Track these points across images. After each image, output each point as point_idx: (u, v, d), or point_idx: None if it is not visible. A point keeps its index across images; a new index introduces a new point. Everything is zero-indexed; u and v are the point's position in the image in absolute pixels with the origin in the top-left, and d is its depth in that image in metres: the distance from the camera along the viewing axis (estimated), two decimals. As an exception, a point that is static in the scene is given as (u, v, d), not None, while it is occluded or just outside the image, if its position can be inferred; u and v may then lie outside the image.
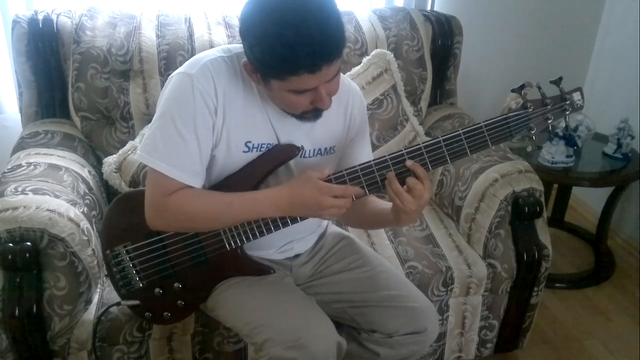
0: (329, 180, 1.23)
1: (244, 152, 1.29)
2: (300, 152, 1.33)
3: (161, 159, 1.20)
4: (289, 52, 1.06)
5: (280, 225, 1.29)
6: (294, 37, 1.05)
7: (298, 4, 1.07)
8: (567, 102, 1.26)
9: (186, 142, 1.20)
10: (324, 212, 1.21)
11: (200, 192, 1.24)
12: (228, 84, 1.23)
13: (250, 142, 1.28)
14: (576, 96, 1.27)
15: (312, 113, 1.23)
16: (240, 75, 1.25)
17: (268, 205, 1.22)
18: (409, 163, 1.22)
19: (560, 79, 1.25)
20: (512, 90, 1.27)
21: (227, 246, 1.32)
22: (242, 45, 1.19)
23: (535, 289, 1.77)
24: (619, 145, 2.30)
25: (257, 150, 1.30)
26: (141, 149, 1.23)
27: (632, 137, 2.30)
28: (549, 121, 1.26)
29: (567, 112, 1.26)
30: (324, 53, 1.09)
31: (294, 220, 1.29)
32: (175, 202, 1.22)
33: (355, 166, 1.25)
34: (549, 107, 1.25)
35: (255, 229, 1.29)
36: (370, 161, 1.24)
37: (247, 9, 1.12)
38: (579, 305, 2.31)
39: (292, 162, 1.34)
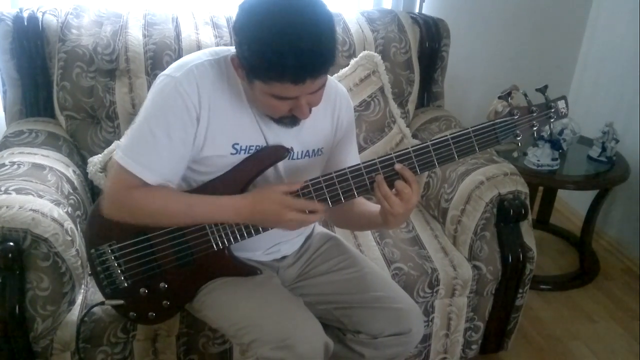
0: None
1: (231, 154, 1.29)
2: (289, 154, 1.33)
3: (130, 156, 1.21)
4: (277, 59, 1.07)
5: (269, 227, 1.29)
6: (284, 46, 1.06)
7: (295, 15, 1.07)
8: (552, 110, 1.30)
9: (157, 141, 1.20)
10: (282, 225, 1.24)
11: (161, 191, 1.24)
12: (213, 88, 1.23)
13: (237, 144, 1.28)
14: (561, 104, 1.31)
15: (290, 119, 1.23)
16: (226, 79, 1.25)
17: (229, 212, 1.24)
18: (398, 167, 1.23)
19: (546, 87, 1.28)
20: (499, 97, 1.29)
21: (215, 246, 1.32)
22: (229, 47, 1.19)
23: (520, 290, 1.78)
24: (604, 149, 2.32)
25: (245, 152, 1.30)
26: (119, 148, 1.25)
27: (617, 141, 2.32)
28: (535, 128, 1.29)
29: (552, 120, 1.30)
30: (310, 67, 1.10)
31: None
32: (135, 197, 1.22)
33: (344, 169, 1.25)
34: (534, 114, 1.29)
35: (244, 229, 1.29)
36: (359, 164, 1.25)
37: (245, 6, 1.12)
38: (564, 307, 2.33)
39: (280, 164, 1.34)
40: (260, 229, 1.29)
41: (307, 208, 1.23)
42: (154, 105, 1.21)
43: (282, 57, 1.06)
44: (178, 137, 1.22)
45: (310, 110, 1.21)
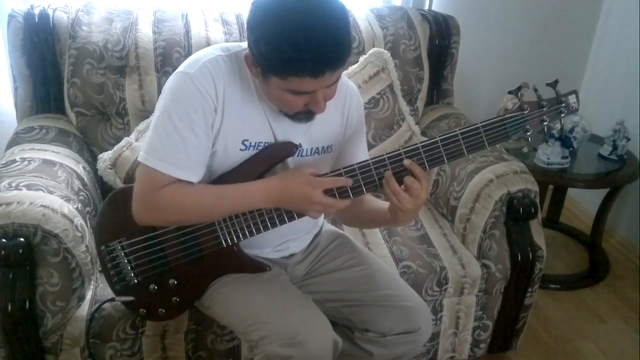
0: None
1: (240, 150, 1.29)
2: (298, 151, 1.33)
3: (157, 156, 1.20)
4: (296, 53, 1.07)
5: (277, 222, 1.29)
6: (303, 39, 1.06)
7: (312, 8, 1.07)
8: (563, 105, 1.28)
9: (183, 138, 1.20)
10: (312, 207, 1.22)
11: (191, 185, 1.24)
12: (226, 83, 1.23)
13: (247, 140, 1.28)
14: (571, 99, 1.29)
15: (305, 115, 1.24)
16: (239, 74, 1.25)
17: (258, 196, 1.23)
18: (406, 162, 1.23)
19: (556, 81, 1.27)
20: (509, 92, 1.28)
21: (224, 243, 1.32)
22: (239, 43, 1.19)
23: (529, 289, 1.77)
24: (615, 147, 2.30)
25: (254, 149, 1.30)
26: (142, 150, 1.23)
27: (628, 139, 2.30)
28: (545, 123, 1.28)
29: (563, 115, 1.29)
30: (329, 60, 1.10)
31: (290, 217, 1.29)
32: (166, 195, 1.22)
33: (353, 165, 1.26)
34: (544, 109, 1.27)
35: (252, 225, 1.29)
36: (368, 160, 1.25)
37: (259, 3, 1.12)
38: (573, 307, 2.31)
39: (289, 160, 1.34)
40: (269, 225, 1.29)
41: (335, 185, 1.22)
42: (174, 103, 1.20)
43: (301, 51, 1.06)
44: (202, 131, 1.22)
45: (325, 105, 1.21)
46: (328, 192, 1.23)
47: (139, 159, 1.23)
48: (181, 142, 1.20)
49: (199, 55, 1.25)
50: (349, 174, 1.25)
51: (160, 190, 1.21)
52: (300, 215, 1.29)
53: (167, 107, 1.21)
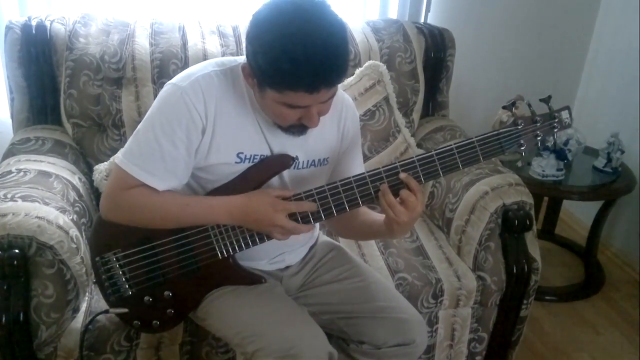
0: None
1: (236, 162, 1.29)
2: (294, 163, 1.33)
3: (132, 161, 1.23)
4: (293, 68, 1.07)
5: None
6: (301, 54, 1.06)
7: (311, 25, 1.08)
8: (556, 120, 1.31)
9: (161, 147, 1.22)
10: (273, 229, 1.24)
11: (158, 191, 1.26)
12: (219, 98, 1.24)
13: (242, 153, 1.29)
14: (564, 114, 1.32)
15: (298, 128, 1.24)
16: (232, 88, 1.26)
17: (221, 212, 1.25)
18: (402, 175, 1.24)
19: (550, 97, 1.29)
20: (503, 107, 1.30)
21: (219, 254, 1.32)
22: (235, 58, 1.20)
23: (525, 301, 1.77)
24: (609, 160, 2.32)
25: (249, 161, 1.30)
26: (120, 152, 1.27)
27: (622, 152, 2.32)
28: (539, 138, 1.30)
29: (556, 130, 1.31)
30: (326, 76, 1.11)
31: None
32: (132, 195, 1.24)
33: (349, 178, 1.26)
34: (538, 124, 1.29)
35: (249, 237, 1.30)
36: (364, 173, 1.26)
37: (260, 16, 1.12)
38: (569, 319, 2.32)
39: (286, 173, 1.34)
40: (265, 238, 1.29)
41: (298, 210, 1.24)
42: (160, 113, 1.22)
43: (298, 66, 1.07)
44: (182, 146, 1.23)
45: (319, 120, 1.22)
46: (292, 215, 1.25)
47: (115, 160, 1.26)
48: (158, 150, 1.22)
49: (193, 70, 1.26)
50: (345, 186, 1.26)
51: (128, 190, 1.24)
52: (268, 237, 1.29)
53: (152, 116, 1.23)
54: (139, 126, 1.25)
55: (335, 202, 1.25)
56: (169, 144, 1.22)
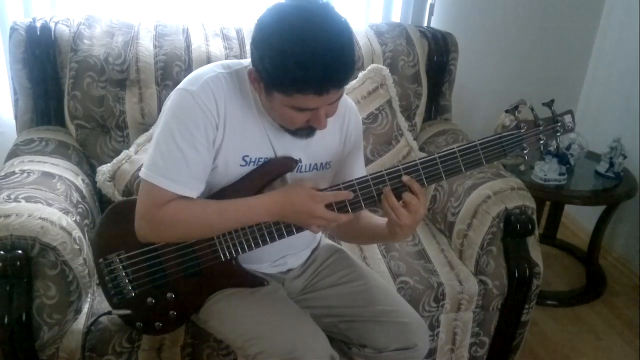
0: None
1: (241, 165, 1.29)
2: (297, 166, 1.33)
3: (159, 172, 1.20)
4: (301, 72, 1.08)
5: (276, 236, 1.29)
6: (309, 57, 1.07)
7: (317, 27, 1.08)
8: (559, 124, 1.31)
9: (185, 154, 1.20)
10: (314, 221, 1.22)
11: (193, 201, 1.25)
12: (227, 100, 1.24)
13: (247, 156, 1.29)
14: (567, 118, 1.31)
15: (306, 131, 1.25)
16: (239, 91, 1.26)
17: (261, 210, 1.23)
18: (405, 178, 1.24)
19: (552, 101, 1.29)
20: (506, 111, 1.30)
21: (222, 257, 1.32)
22: (240, 60, 1.20)
23: (526, 306, 1.77)
24: (611, 164, 2.32)
25: (254, 165, 1.30)
26: (144, 166, 1.23)
27: (625, 157, 2.32)
28: (541, 142, 1.30)
29: (559, 134, 1.31)
30: (334, 78, 1.11)
31: (289, 232, 1.29)
32: (169, 212, 1.21)
33: (352, 180, 1.26)
34: (541, 128, 1.29)
35: (251, 240, 1.30)
36: (367, 175, 1.26)
37: (266, 20, 1.13)
38: (570, 323, 2.31)
39: (288, 176, 1.34)
40: (268, 239, 1.29)
41: (337, 199, 1.23)
42: (177, 120, 1.21)
43: (306, 70, 1.07)
44: (203, 148, 1.22)
45: (326, 122, 1.22)
46: (328, 206, 1.23)
47: (140, 174, 1.23)
48: (182, 158, 1.20)
49: (200, 72, 1.26)
50: (348, 189, 1.25)
51: (163, 207, 1.21)
52: (299, 230, 1.29)
53: (169, 124, 1.21)
54: (156, 137, 1.23)
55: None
56: (192, 150, 1.21)
